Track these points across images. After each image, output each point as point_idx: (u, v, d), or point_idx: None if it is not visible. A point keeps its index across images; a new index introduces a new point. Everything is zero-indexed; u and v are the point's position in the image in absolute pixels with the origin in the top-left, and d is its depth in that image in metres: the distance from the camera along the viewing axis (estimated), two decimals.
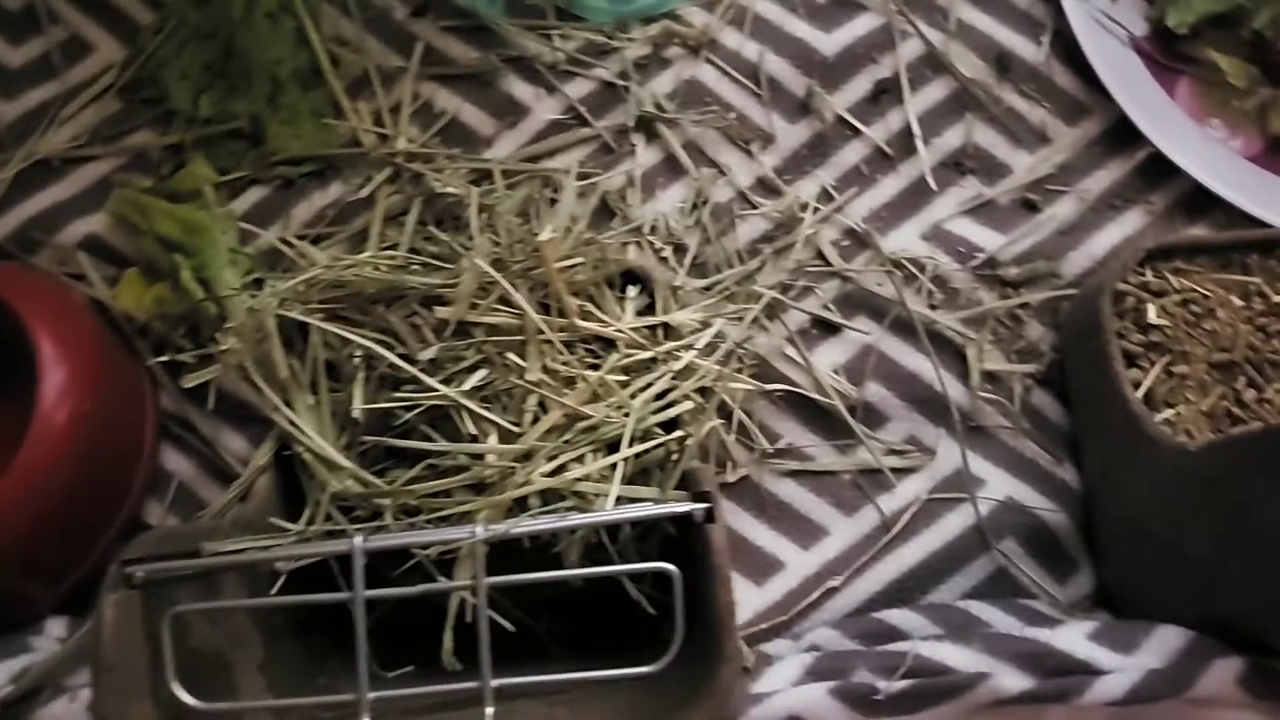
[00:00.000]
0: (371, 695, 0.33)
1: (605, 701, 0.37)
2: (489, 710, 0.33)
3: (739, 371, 0.50)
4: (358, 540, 0.33)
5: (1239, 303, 0.46)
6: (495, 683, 0.33)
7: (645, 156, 0.54)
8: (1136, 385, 0.45)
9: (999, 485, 0.49)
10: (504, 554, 0.38)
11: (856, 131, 0.54)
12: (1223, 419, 0.46)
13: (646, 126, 0.54)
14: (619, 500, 0.39)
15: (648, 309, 0.45)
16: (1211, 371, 0.46)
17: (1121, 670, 0.38)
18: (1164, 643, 0.39)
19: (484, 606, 0.33)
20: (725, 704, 0.32)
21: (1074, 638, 0.39)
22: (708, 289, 0.51)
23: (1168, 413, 0.45)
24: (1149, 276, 0.47)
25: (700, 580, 0.34)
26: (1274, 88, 0.54)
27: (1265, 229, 0.50)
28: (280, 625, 0.42)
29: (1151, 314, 0.46)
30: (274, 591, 0.37)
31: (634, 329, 0.44)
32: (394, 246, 0.51)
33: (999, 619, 0.45)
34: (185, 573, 0.35)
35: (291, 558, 0.36)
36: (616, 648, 0.39)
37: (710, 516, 0.34)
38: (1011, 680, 0.38)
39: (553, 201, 0.53)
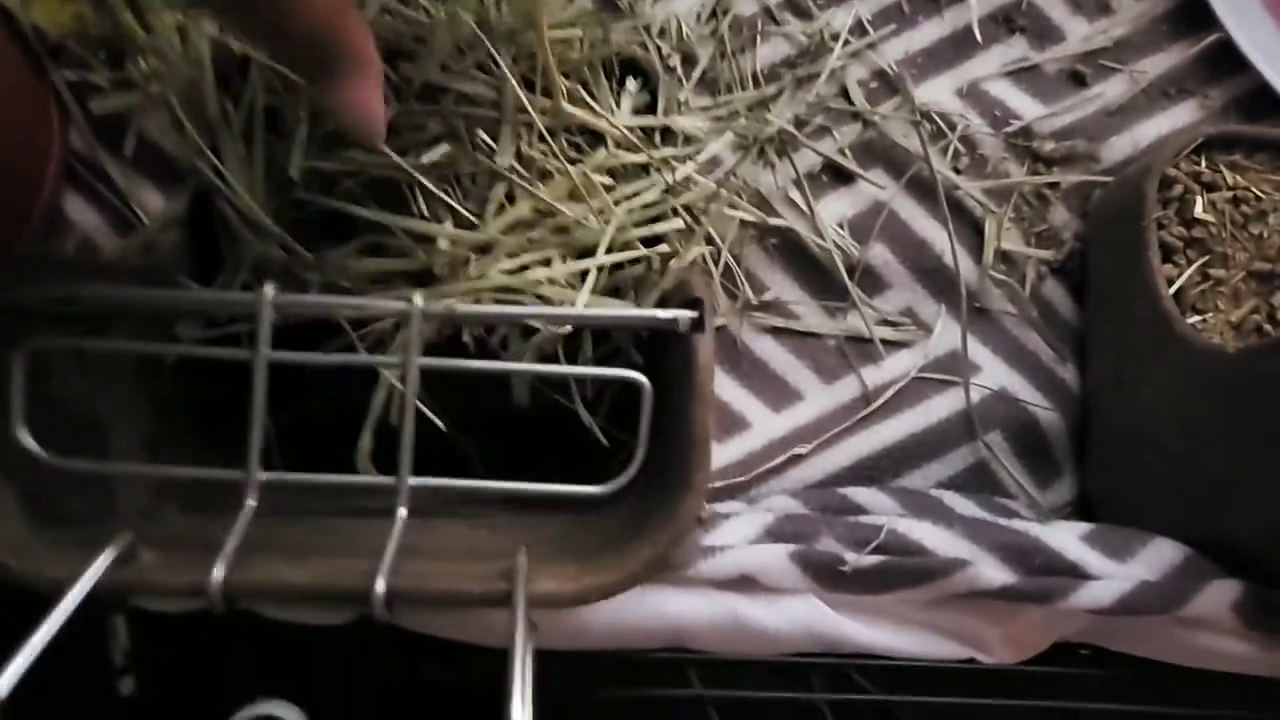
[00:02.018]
0: (263, 476, 0.28)
1: (534, 530, 0.32)
2: (401, 511, 0.28)
3: (732, 205, 0.45)
4: (268, 290, 0.28)
5: None
6: (413, 482, 0.28)
7: None
8: (1170, 282, 0.41)
9: (994, 374, 0.45)
10: (444, 356, 0.32)
11: None
12: (1250, 334, 0.42)
13: None
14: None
15: (647, 109, 0.39)
16: (1249, 280, 0.42)
17: (1112, 578, 0.34)
18: (1159, 555, 0.35)
19: (412, 392, 0.28)
20: (681, 537, 0.27)
21: (1065, 537, 0.35)
22: (715, 108, 0.45)
23: (1194, 319, 0.41)
24: (1203, 166, 0.42)
25: (673, 401, 0.29)
26: None
27: None
28: (176, 404, 0.36)
29: (1199, 207, 0.41)
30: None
31: (627, 127, 0.38)
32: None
33: (972, 513, 0.42)
34: (59, 309, 0.29)
35: (190, 304, 0.30)
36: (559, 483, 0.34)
37: (699, 325, 0.29)
38: (993, 572, 0.34)
39: None
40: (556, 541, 0.30)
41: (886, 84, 0.47)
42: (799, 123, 0.46)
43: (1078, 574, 0.34)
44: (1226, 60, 0.48)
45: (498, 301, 0.35)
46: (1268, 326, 0.42)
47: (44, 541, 0.28)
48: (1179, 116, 0.48)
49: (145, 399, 0.33)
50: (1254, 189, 0.42)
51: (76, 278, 0.30)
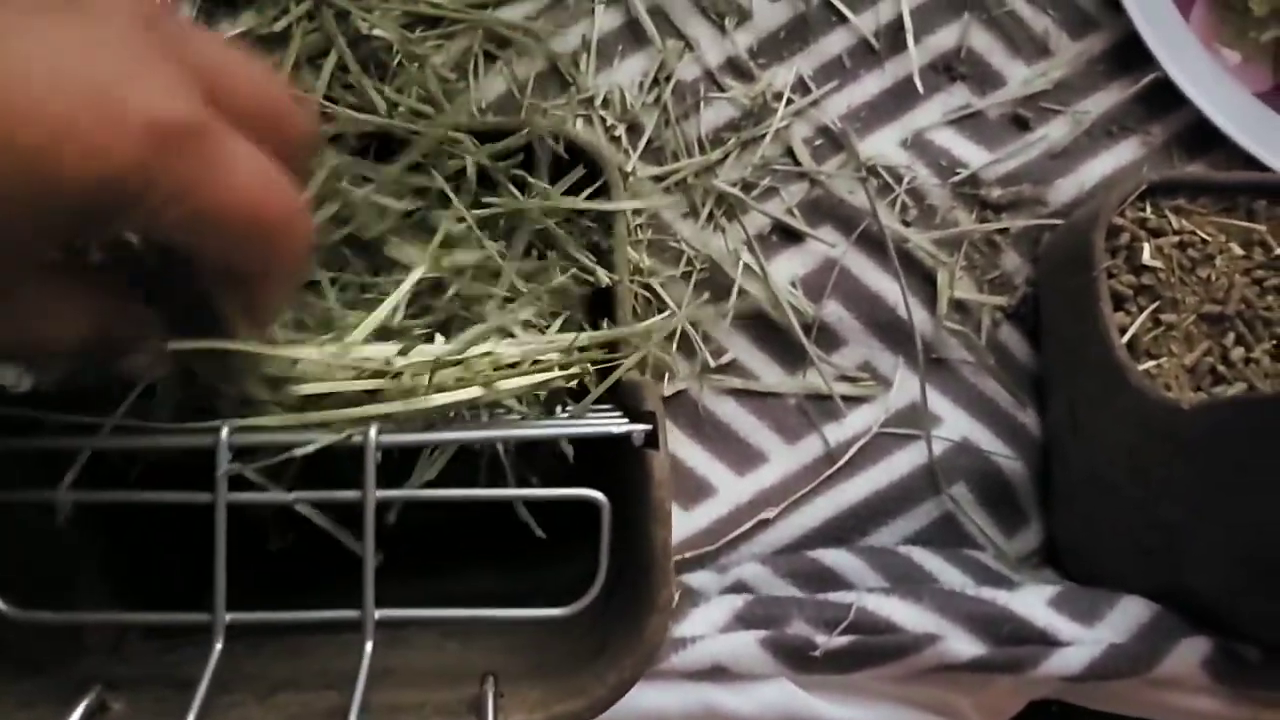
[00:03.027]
0: (228, 618, 0.28)
1: (504, 638, 0.32)
2: (368, 645, 0.28)
3: (688, 274, 0.45)
4: (224, 432, 0.27)
5: (1239, 252, 0.42)
6: (379, 614, 0.28)
7: (606, 19, 0.47)
8: (1122, 331, 0.41)
9: (955, 424, 0.45)
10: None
11: (842, 18, 0.48)
12: (1205, 376, 0.42)
13: None
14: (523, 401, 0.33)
15: (597, 193, 0.39)
16: (1200, 323, 0.42)
17: (1081, 643, 0.34)
18: (1128, 615, 0.35)
19: (370, 524, 0.28)
20: (649, 659, 0.27)
21: (1034, 602, 0.35)
22: (661, 178, 0.45)
23: (1149, 364, 0.42)
24: (1148, 212, 0.42)
25: (630, 511, 0.29)
26: None
27: (1277, 173, 0.46)
28: (121, 517, 0.35)
29: (1147, 254, 0.41)
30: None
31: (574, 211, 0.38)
32: (307, 93, 0.43)
33: (941, 569, 0.42)
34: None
35: (149, 449, 0.30)
36: (518, 553, 0.34)
37: (652, 440, 0.28)
38: (963, 645, 0.34)
39: (491, 56, 0.46)
40: (527, 655, 0.30)
41: (832, 140, 0.47)
42: (747, 185, 0.46)
43: (1047, 641, 0.34)
44: (1166, 96, 0.48)
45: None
46: (1221, 368, 0.42)
47: (11, 698, 0.27)
48: (1122, 155, 0.48)
49: (105, 537, 0.33)
50: (1199, 232, 0.42)
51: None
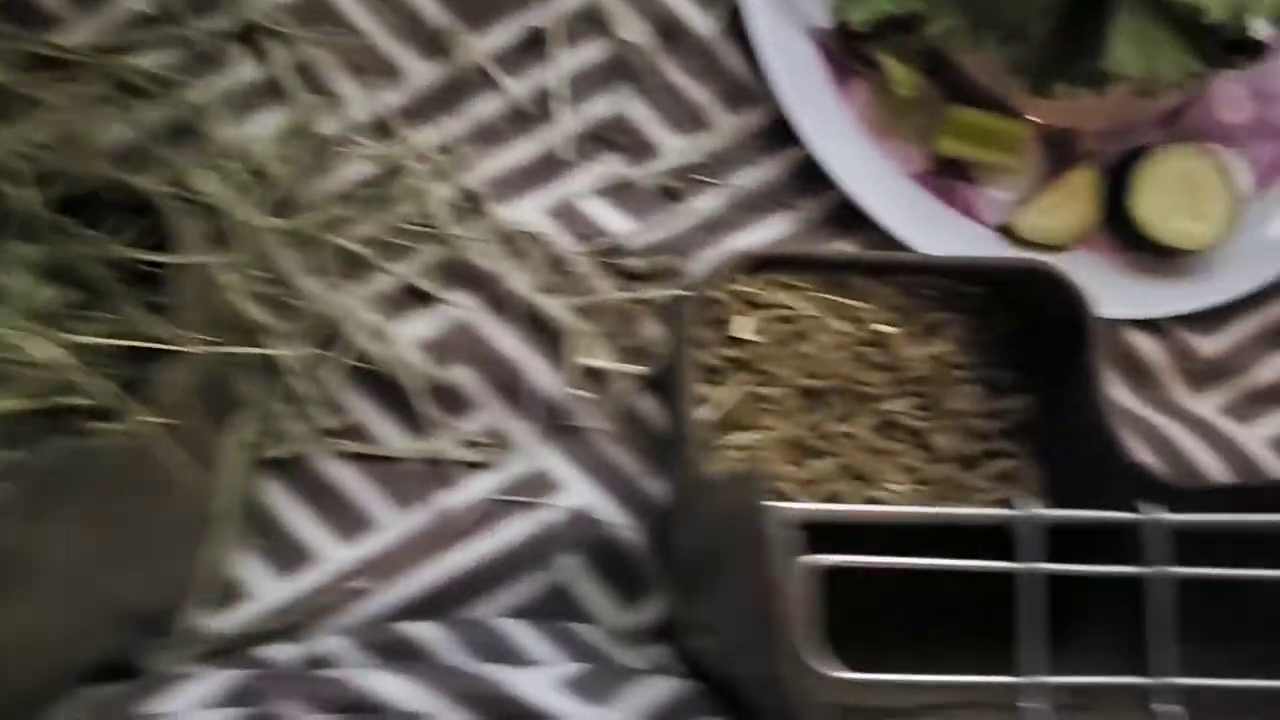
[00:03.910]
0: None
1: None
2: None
3: (303, 333, 0.44)
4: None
5: (839, 327, 0.43)
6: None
7: (245, 73, 0.46)
8: (707, 401, 0.41)
9: (580, 493, 0.45)
10: None
11: (496, 84, 0.48)
12: (800, 450, 0.42)
13: (252, 38, 0.47)
14: None
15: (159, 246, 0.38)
16: (798, 397, 0.42)
17: None
18: (647, 695, 0.34)
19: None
20: None
21: (540, 682, 0.34)
22: (286, 232, 0.44)
23: (745, 436, 0.41)
24: (750, 287, 0.42)
25: None
26: (947, 103, 0.50)
27: (879, 252, 0.46)
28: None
29: (742, 327, 0.42)
30: None
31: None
32: None
33: (533, 644, 0.41)
34: None
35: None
36: None
37: None
38: None
39: (119, 105, 0.45)
40: None
41: (475, 204, 0.47)
42: (381, 244, 0.45)
43: None
44: (819, 173, 0.49)
45: None
46: (819, 442, 0.42)
47: None
48: (773, 229, 0.49)
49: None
50: (799, 307, 0.42)
51: None
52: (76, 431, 0.33)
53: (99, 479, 0.30)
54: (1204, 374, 0.52)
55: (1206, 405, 0.52)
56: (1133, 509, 0.39)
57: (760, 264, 0.42)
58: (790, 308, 0.42)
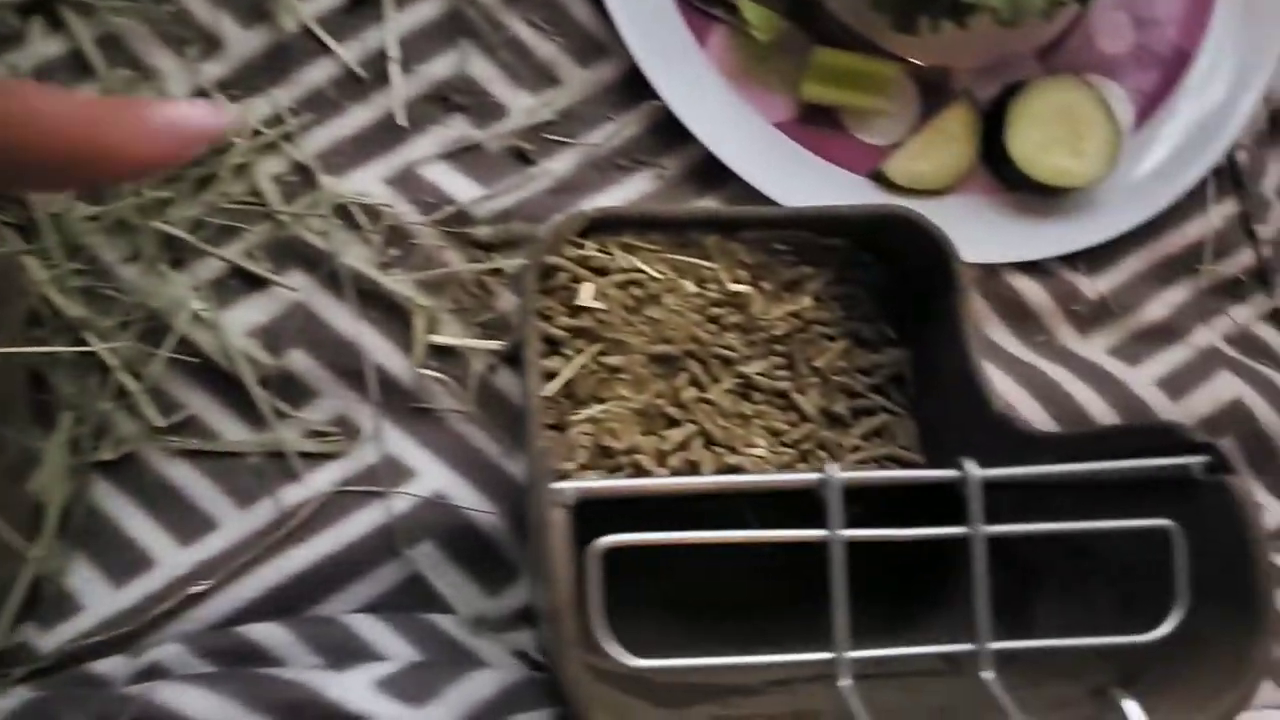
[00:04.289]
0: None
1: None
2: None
3: (126, 325, 0.41)
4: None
5: (692, 289, 0.40)
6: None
7: (44, 47, 0.43)
8: (552, 376, 0.39)
9: (434, 478, 0.42)
10: None
11: (326, 48, 0.45)
12: (657, 418, 0.40)
13: (49, 8, 0.43)
14: None
15: None
16: (651, 364, 0.40)
17: None
18: (471, 692, 0.33)
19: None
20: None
21: (357, 684, 0.32)
22: (94, 218, 0.41)
23: (595, 409, 0.39)
24: (591, 250, 0.40)
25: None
26: (811, 46, 0.47)
27: (728, 208, 0.44)
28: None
29: (584, 295, 0.39)
30: None
31: None
32: None
33: (382, 637, 0.39)
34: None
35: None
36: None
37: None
38: None
39: None
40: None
41: (308, 177, 0.44)
42: (203, 226, 0.43)
43: None
44: (679, 128, 0.46)
45: None
46: (673, 409, 0.40)
47: None
48: (633, 189, 0.46)
49: None
50: (648, 269, 0.40)
51: None
52: None
53: None
54: (1091, 315, 0.50)
55: (1094, 348, 0.50)
56: (1000, 462, 0.38)
57: (601, 225, 0.39)
58: (640, 270, 0.40)
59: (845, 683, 0.27)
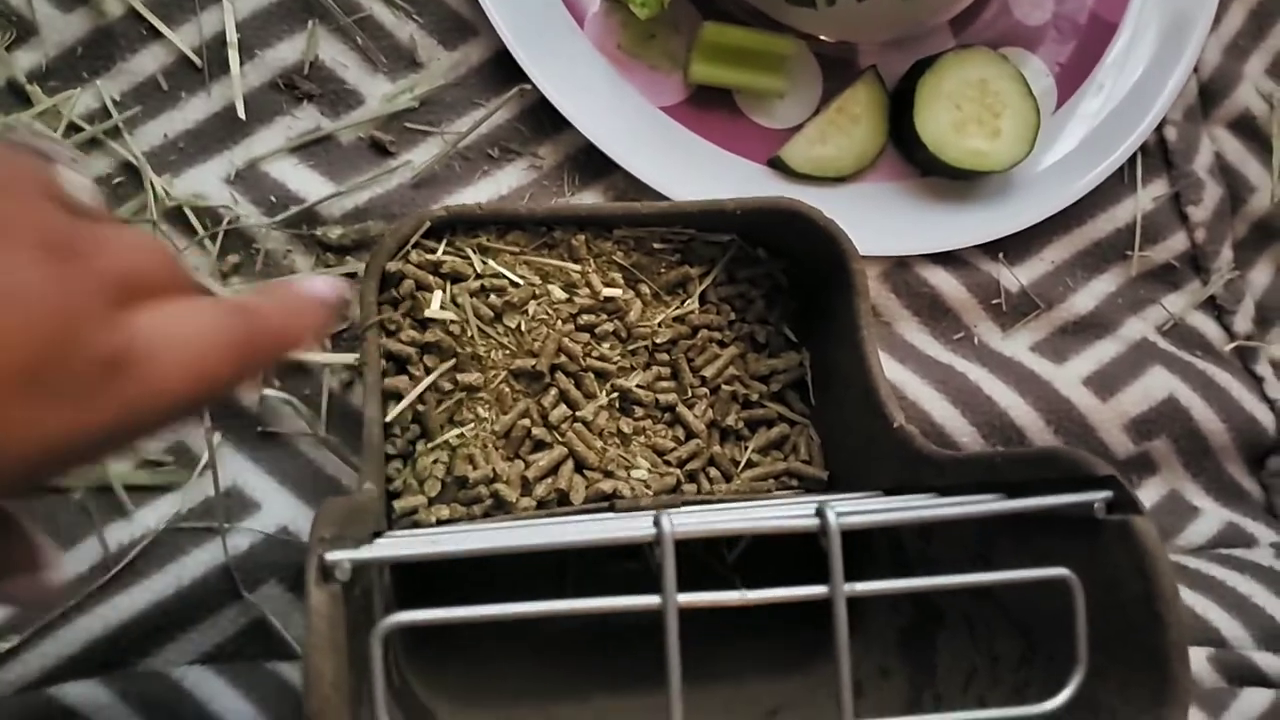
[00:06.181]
0: None
1: None
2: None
3: None
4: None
5: (560, 295, 0.36)
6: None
7: None
8: (399, 397, 0.34)
9: (280, 510, 0.38)
10: None
11: (156, 33, 0.40)
12: (523, 442, 0.36)
13: None
14: None
15: None
16: (513, 381, 0.36)
17: None
18: None
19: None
20: None
21: None
22: None
23: (451, 433, 0.35)
24: (443, 255, 0.36)
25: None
26: (701, 22, 0.43)
27: (595, 204, 0.40)
28: None
29: (433, 305, 0.35)
30: None
31: None
32: None
33: (220, 694, 0.35)
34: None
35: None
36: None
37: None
38: None
39: None
40: None
41: (136, 177, 0.39)
42: None
43: None
44: (553, 114, 0.42)
45: None
46: (541, 431, 0.36)
47: None
48: (504, 182, 0.42)
49: None
50: (508, 274, 0.36)
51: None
52: None
53: None
54: (1012, 310, 0.47)
55: (1016, 344, 0.47)
56: (902, 480, 0.34)
57: (453, 225, 0.35)
58: (499, 275, 0.35)
59: None
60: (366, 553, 0.23)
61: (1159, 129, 0.49)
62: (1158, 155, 0.49)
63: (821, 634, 0.29)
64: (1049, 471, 0.27)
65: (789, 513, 0.27)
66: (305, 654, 0.20)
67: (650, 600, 0.22)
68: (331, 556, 0.22)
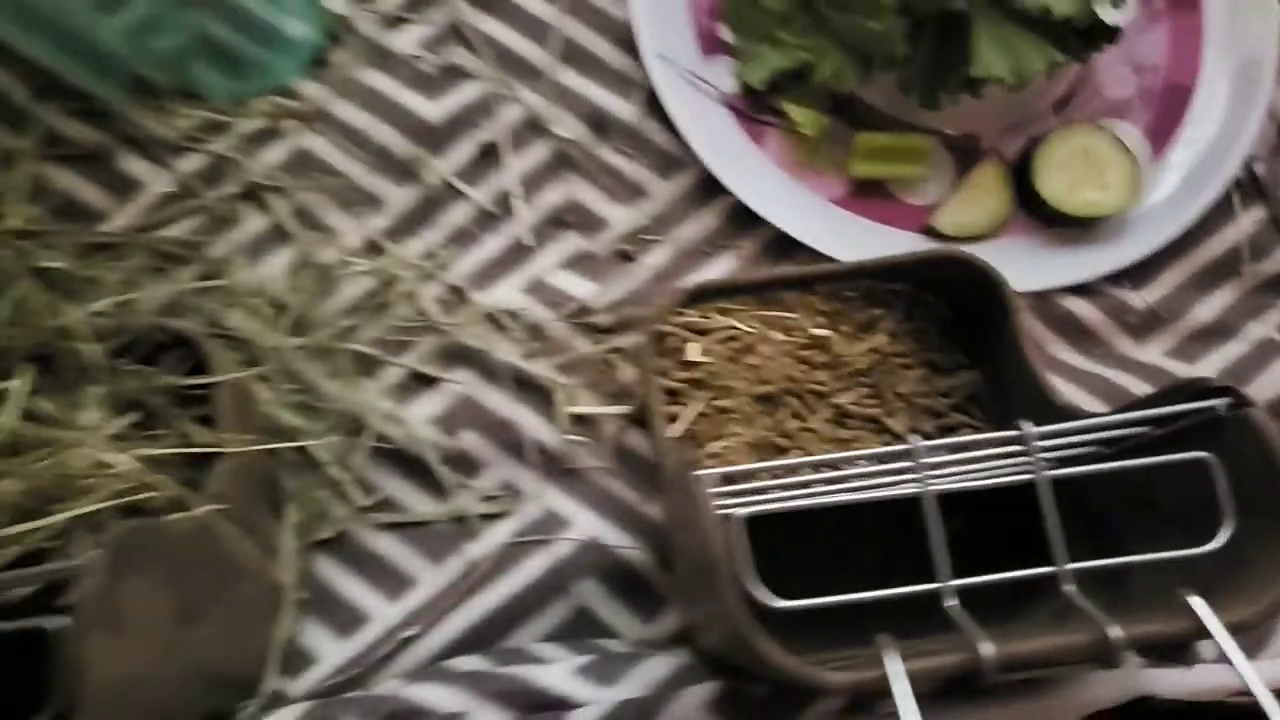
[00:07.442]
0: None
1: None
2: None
3: (331, 427, 0.51)
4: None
5: (780, 337, 0.49)
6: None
7: (253, 225, 0.55)
8: (674, 419, 0.47)
9: (587, 525, 0.50)
10: None
11: (462, 194, 0.56)
12: (768, 449, 0.48)
13: (255, 196, 0.56)
14: None
15: (195, 370, 0.46)
16: (755, 404, 0.48)
17: (595, 703, 0.39)
18: (648, 673, 0.40)
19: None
20: None
21: (558, 674, 0.40)
22: (301, 347, 0.52)
23: (715, 445, 0.47)
24: (694, 316, 0.49)
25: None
26: (854, 132, 0.57)
27: (799, 266, 0.52)
28: None
29: (692, 352, 0.48)
30: None
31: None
32: None
33: (561, 658, 0.46)
34: None
35: None
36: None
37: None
38: (489, 717, 0.38)
39: (159, 270, 0.54)
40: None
41: (460, 295, 0.55)
42: (385, 343, 0.53)
43: (565, 705, 0.39)
44: (750, 215, 0.56)
45: None
46: (781, 439, 0.48)
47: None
48: (719, 268, 0.56)
49: None
50: (742, 326, 0.49)
51: None
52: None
53: (167, 550, 0.37)
54: (1143, 325, 0.57)
55: (1153, 352, 0.56)
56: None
57: (699, 295, 0.48)
58: (735, 327, 0.48)
59: (952, 603, 0.34)
60: (722, 471, 0.35)
61: (1249, 165, 0.59)
62: (1250, 188, 0.59)
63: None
64: (1182, 399, 0.37)
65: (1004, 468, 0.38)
66: (701, 520, 0.32)
67: (911, 488, 0.33)
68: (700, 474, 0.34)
